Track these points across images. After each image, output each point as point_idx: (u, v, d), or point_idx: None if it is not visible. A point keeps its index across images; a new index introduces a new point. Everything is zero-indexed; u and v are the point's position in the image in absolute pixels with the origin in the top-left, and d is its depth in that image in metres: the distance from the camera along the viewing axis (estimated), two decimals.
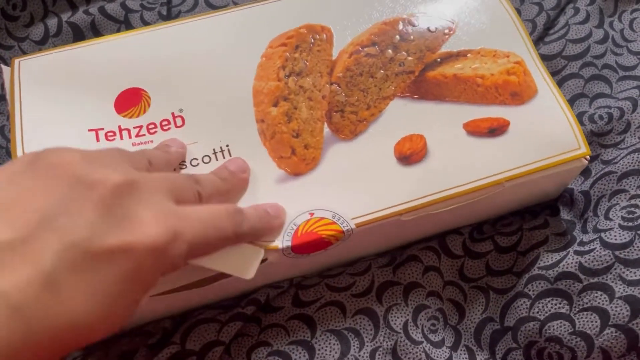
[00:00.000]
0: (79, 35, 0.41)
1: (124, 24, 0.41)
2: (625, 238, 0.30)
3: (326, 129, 0.31)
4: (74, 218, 0.19)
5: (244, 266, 0.26)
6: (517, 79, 0.32)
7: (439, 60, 0.33)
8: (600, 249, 0.31)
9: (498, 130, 0.31)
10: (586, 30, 0.39)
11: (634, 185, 0.33)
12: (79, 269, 0.19)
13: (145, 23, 0.42)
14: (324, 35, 0.33)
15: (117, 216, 0.20)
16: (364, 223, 0.29)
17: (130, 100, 0.31)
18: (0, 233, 0.18)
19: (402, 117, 0.31)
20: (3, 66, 0.32)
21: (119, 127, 0.30)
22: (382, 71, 0.32)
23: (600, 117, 0.36)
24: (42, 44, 0.41)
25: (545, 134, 0.31)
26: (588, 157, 0.31)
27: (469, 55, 0.33)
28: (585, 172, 0.35)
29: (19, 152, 0.29)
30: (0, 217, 0.19)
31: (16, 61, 0.32)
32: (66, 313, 0.19)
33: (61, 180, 0.20)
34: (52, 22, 0.41)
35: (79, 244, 0.19)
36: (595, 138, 0.36)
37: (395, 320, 0.31)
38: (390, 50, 0.33)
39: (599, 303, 0.29)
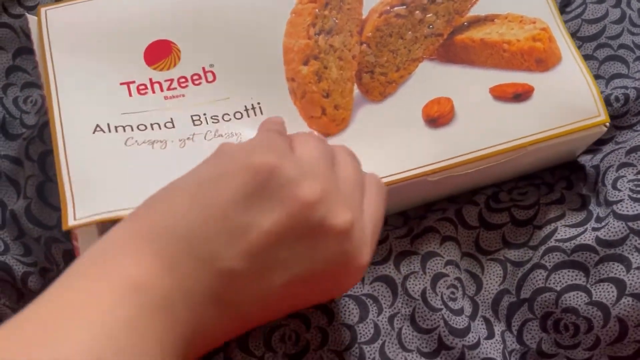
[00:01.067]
0: None
1: None
2: (636, 210, 0.31)
3: (356, 90, 0.32)
4: (303, 257, 0.22)
5: None
6: (543, 46, 0.32)
7: (466, 24, 0.33)
8: (614, 220, 0.31)
9: (523, 96, 0.32)
10: (602, 10, 0.39)
11: None
12: (294, 292, 0.23)
13: None
14: None
15: (338, 256, 0.23)
16: (392, 182, 0.29)
17: (160, 53, 0.31)
18: (238, 261, 0.21)
19: (430, 80, 0.32)
20: (29, 16, 0.32)
21: (150, 79, 0.31)
22: (411, 33, 0.33)
23: (617, 99, 0.36)
24: None
25: (567, 100, 0.31)
26: (607, 123, 0.32)
27: (496, 20, 0.33)
28: (597, 151, 0.36)
29: (55, 110, 0.30)
30: (238, 242, 0.21)
31: (43, 10, 0.32)
32: (270, 317, 0.25)
33: (298, 223, 0.22)
34: None
35: (302, 277, 0.22)
36: (611, 120, 0.36)
37: (414, 287, 0.31)
38: (418, 12, 0.33)
39: (615, 274, 0.30)
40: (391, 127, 0.31)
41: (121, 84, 0.30)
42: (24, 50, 0.39)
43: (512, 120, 0.31)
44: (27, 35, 0.39)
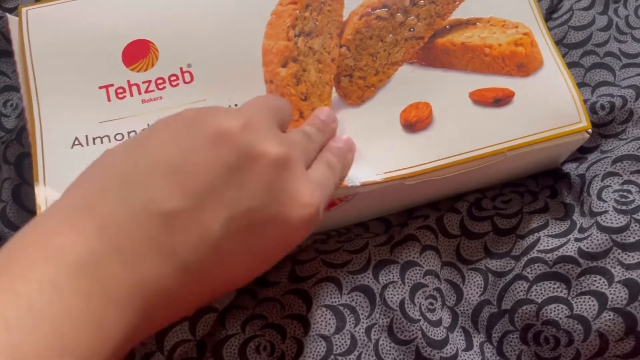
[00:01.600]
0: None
1: None
2: (620, 222, 0.30)
3: (334, 94, 0.31)
4: (238, 190, 0.21)
5: None
6: (524, 51, 0.32)
7: (448, 27, 0.33)
8: (598, 232, 0.30)
9: (503, 101, 0.31)
10: (589, 17, 0.39)
11: (628, 170, 0.33)
12: (240, 235, 0.21)
13: None
14: None
15: (276, 189, 0.22)
16: (369, 184, 0.29)
17: (138, 53, 0.31)
18: (174, 200, 0.20)
19: (409, 84, 0.32)
20: (9, 16, 0.32)
21: (128, 82, 0.30)
22: (391, 35, 0.33)
23: (602, 107, 0.36)
24: None
25: (548, 106, 0.31)
26: (589, 130, 0.31)
27: (478, 24, 0.33)
28: (583, 160, 0.35)
29: (36, 118, 0.30)
30: (172, 182, 0.21)
31: (24, 10, 0.32)
32: (224, 272, 0.22)
33: (225, 150, 0.21)
34: None
35: (243, 215, 0.21)
36: (596, 129, 0.36)
37: (392, 297, 0.31)
38: (400, 14, 0.33)
39: (597, 287, 0.29)
40: (369, 131, 0.30)
41: (100, 87, 0.30)
42: (3, 53, 0.39)
43: (492, 125, 0.31)
44: (7, 38, 0.38)
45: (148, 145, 0.22)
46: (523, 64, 0.32)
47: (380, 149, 0.30)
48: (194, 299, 0.22)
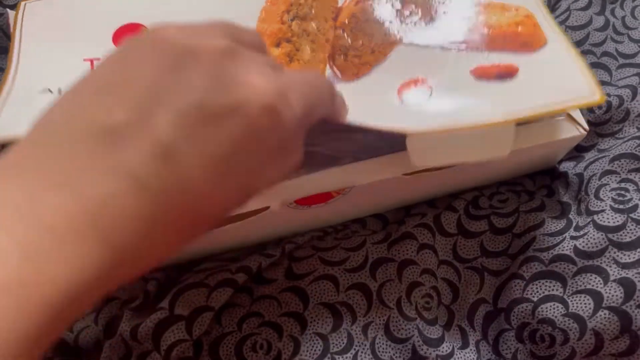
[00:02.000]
0: None
1: None
2: (617, 221, 0.30)
3: (328, 71, 0.30)
4: (183, 86, 0.19)
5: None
6: (527, 30, 0.30)
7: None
8: (594, 231, 0.30)
9: (507, 75, 0.29)
10: (587, 17, 0.39)
11: (625, 169, 0.32)
12: (193, 134, 0.19)
13: None
14: None
15: (225, 80, 0.20)
16: (368, 129, 0.27)
17: (129, 35, 0.30)
18: (115, 113, 0.19)
19: (408, 61, 0.30)
20: (10, 12, 0.33)
21: None
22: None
23: (599, 106, 0.36)
24: None
25: (556, 79, 0.29)
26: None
27: (477, 8, 0.32)
28: (579, 158, 0.35)
29: (9, 81, 0.29)
30: (112, 97, 0.19)
31: (22, 3, 0.32)
32: (186, 183, 0.19)
33: (165, 53, 0.20)
34: None
35: (191, 110, 0.19)
36: (593, 127, 0.36)
37: (389, 296, 0.31)
38: (398, 2, 0.32)
39: (593, 286, 0.29)
40: (365, 105, 0.28)
41: (85, 60, 0.30)
42: (3, 50, 0.38)
43: (496, 97, 0.28)
44: (7, 35, 0.38)
45: (92, 76, 0.20)
46: (526, 42, 0.30)
47: (377, 121, 0.27)
48: (166, 227, 0.19)
